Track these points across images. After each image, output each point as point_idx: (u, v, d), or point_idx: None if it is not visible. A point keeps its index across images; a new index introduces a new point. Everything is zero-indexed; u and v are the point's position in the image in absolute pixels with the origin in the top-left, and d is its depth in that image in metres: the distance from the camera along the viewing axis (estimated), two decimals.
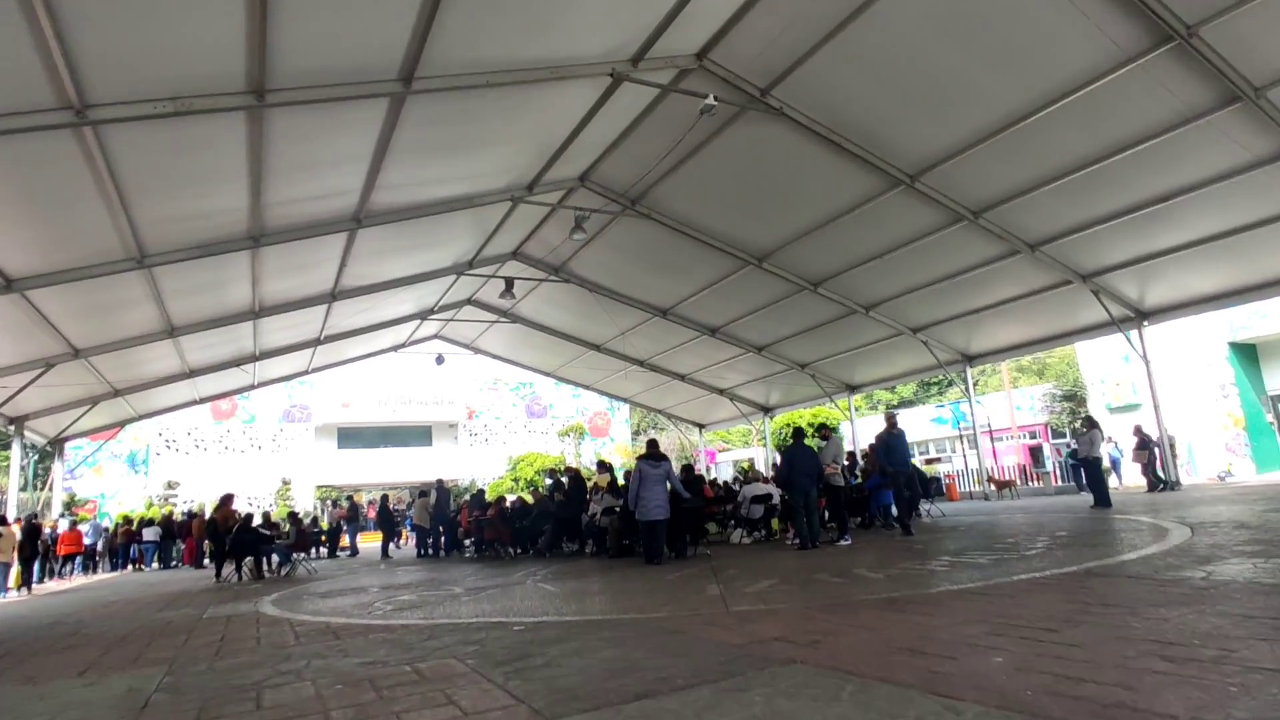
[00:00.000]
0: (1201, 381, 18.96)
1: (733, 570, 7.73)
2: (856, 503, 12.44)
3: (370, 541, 22.90)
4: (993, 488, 18.68)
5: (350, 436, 32.46)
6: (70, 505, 24.88)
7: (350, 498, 20.48)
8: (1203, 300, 13.06)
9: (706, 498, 12.10)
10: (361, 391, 31.58)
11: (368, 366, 27.04)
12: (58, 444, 18.50)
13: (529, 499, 16.85)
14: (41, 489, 22.82)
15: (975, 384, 17.40)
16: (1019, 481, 18.07)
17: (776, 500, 11.50)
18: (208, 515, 15.67)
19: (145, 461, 29.00)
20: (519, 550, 14.04)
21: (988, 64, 8.47)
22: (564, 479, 14.34)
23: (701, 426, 25.22)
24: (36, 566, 15.81)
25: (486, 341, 21.18)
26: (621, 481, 12.64)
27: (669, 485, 9.79)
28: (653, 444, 10.30)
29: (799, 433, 10.34)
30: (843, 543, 9.53)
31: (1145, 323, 13.55)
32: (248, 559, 13.04)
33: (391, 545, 18.39)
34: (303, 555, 14.29)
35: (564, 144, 10.55)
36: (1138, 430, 15.83)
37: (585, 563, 11.02)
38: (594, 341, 19.35)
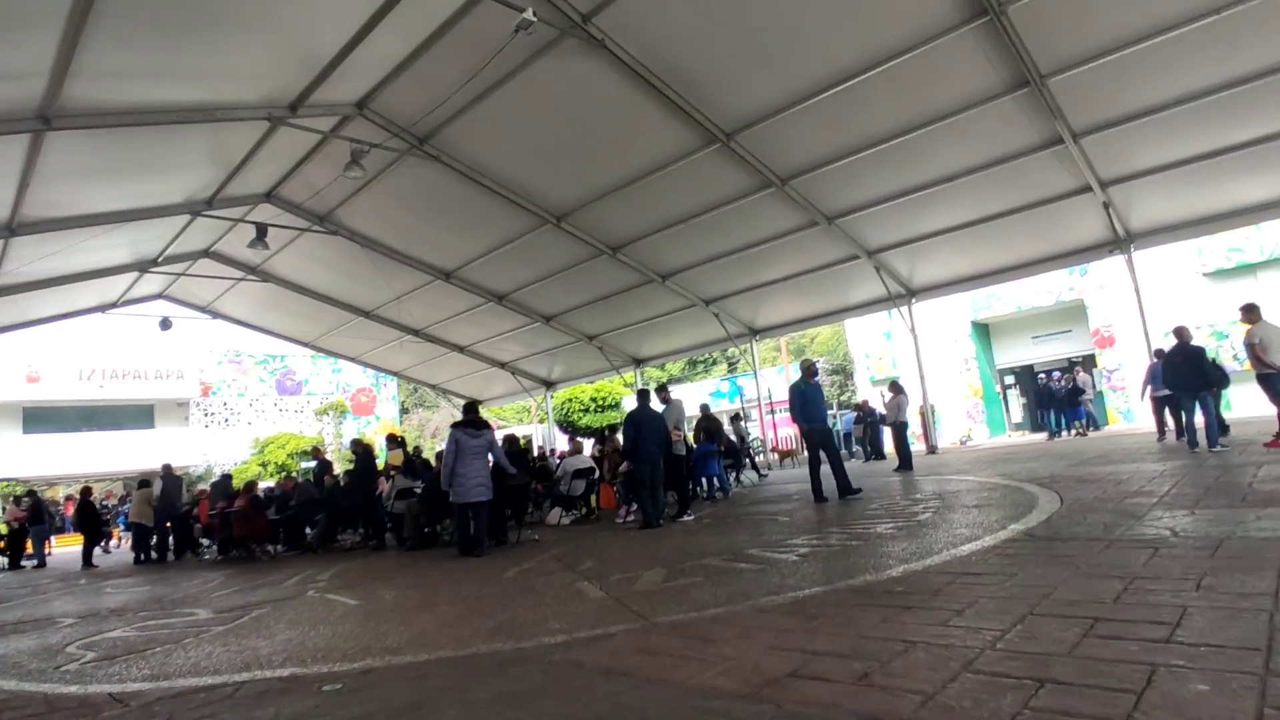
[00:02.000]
0: (948, 356, 21.10)
1: (587, 560, 6.42)
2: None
3: (69, 546, 18.65)
4: (775, 457, 19.31)
5: (41, 419, 26.38)
6: None
7: (32, 492, 16.27)
8: (960, 280, 14.18)
9: (533, 474, 10.76)
10: (57, 363, 25.71)
11: (65, 331, 22.08)
12: None
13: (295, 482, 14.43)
14: None
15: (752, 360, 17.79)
16: (799, 451, 18.96)
17: (599, 474, 10.57)
18: None
19: None
20: (281, 548, 11.84)
21: (824, 13, 8.21)
22: (327, 458, 12.30)
23: (479, 403, 23.63)
24: None
25: (228, 304, 17.98)
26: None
27: (490, 459, 8.39)
28: (472, 407, 8.79)
29: (644, 394, 9.29)
30: (686, 518, 8.67)
31: (914, 300, 14.46)
32: None
33: (99, 549, 14.92)
34: None
35: (338, 56, 8.74)
36: (862, 405, 17.33)
37: (377, 559, 9.27)
38: (363, 307, 17.16)
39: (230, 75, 8.66)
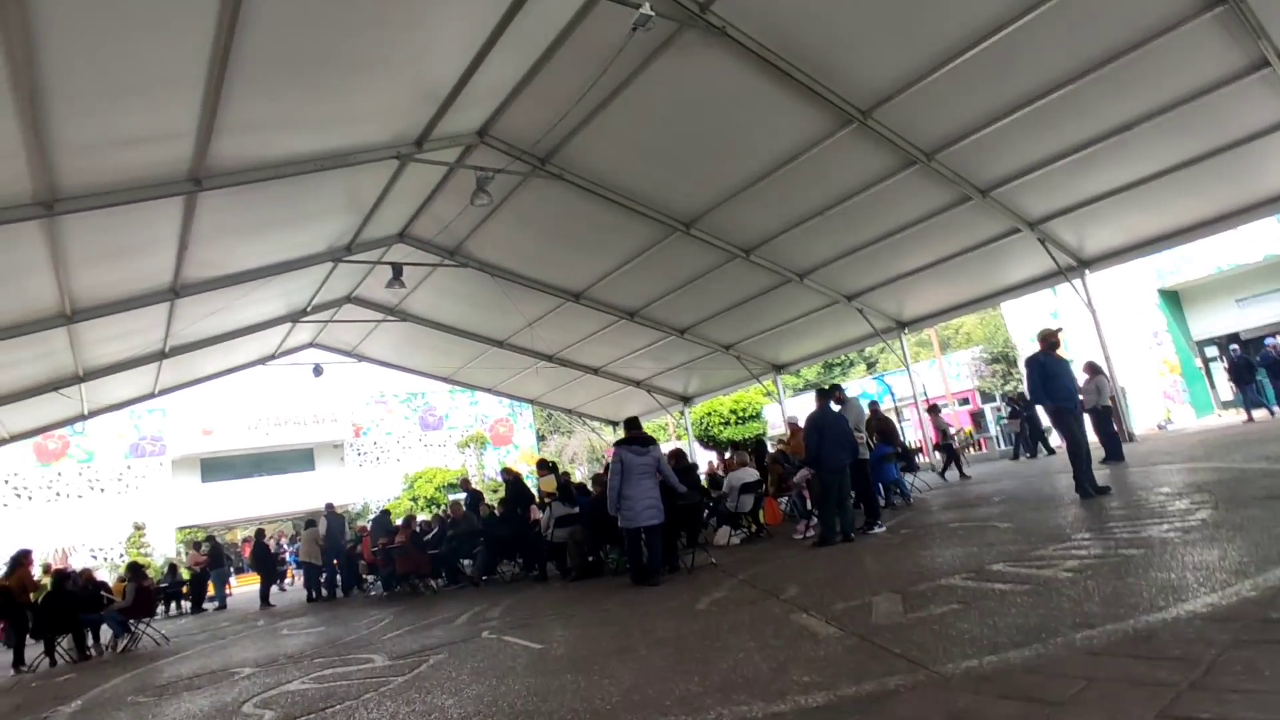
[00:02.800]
0: (1134, 330, 18.91)
1: (789, 585, 5.69)
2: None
3: (248, 585, 19.79)
4: (939, 456, 17.84)
5: (216, 468, 28.53)
6: None
7: (211, 538, 17.32)
8: (1142, 244, 12.50)
9: (704, 490, 10.10)
10: (226, 415, 27.76)
11: (231, 385, 23.69)
12: None
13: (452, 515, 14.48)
14: None
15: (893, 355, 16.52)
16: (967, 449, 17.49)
17: (764, 488, 9.89)
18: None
19: None
20: (443, 582, 11.74)
21: (726, 139, 8.68)
22: (476, 488, 12.15)
23: (615, 424, 23.46)
24: None
25: (371, 346, 18.62)
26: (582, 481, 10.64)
27: (659, 477, 7.76)
28: (634, 423, 8.22)
29: (824, 394, 8.50)
30: (877, 530, 7.90)
31: (1088, 270, 12.92)
32: (63, 636, 9.96)
33: (275, 589, 15.60)
34: (144, 621, 10.87)
35: (457, 85, 8.60)
36: (1008, 399, 15.57)
37: (543, 591, 8.88)
38: (496, 337, 17.26)
39: (358, 118, 8.71)
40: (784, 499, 11.00)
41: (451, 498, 23.83)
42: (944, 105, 9.19)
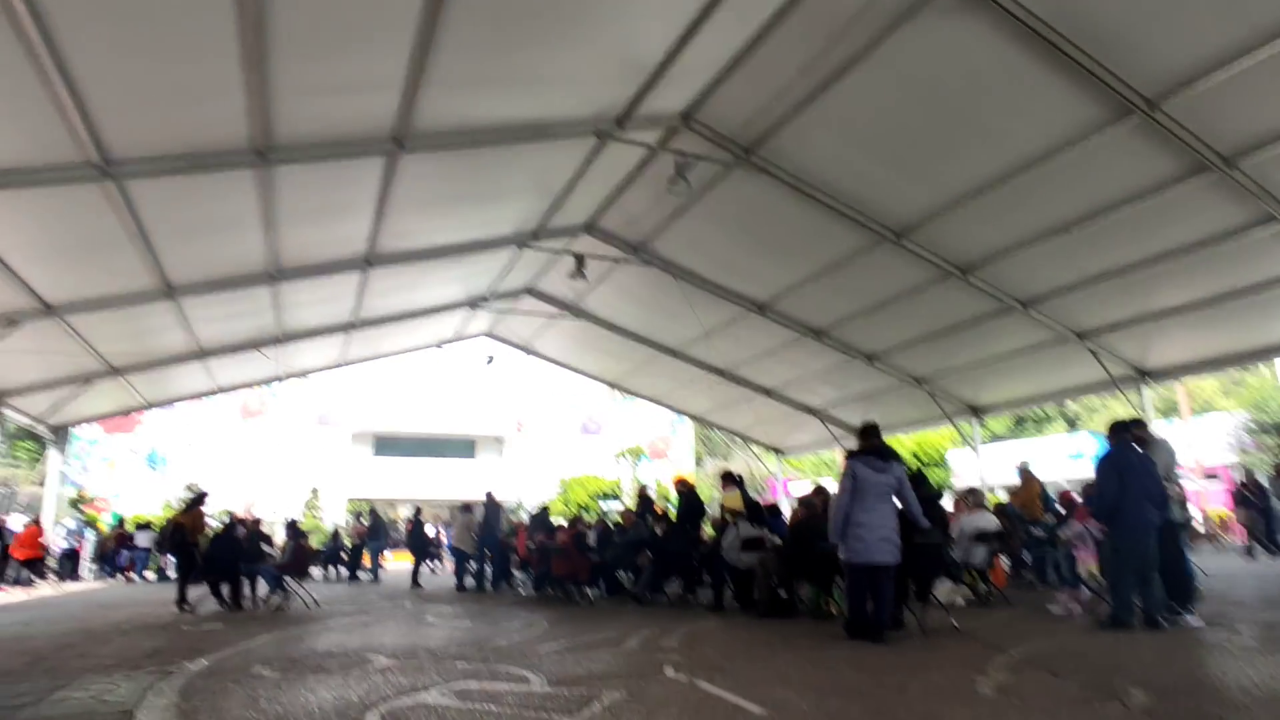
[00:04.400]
0: None
1: (1109, 674, 4.56)
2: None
3: (401, 563, 20.30)
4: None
5: (387, 445, 30.07)
6: (78, 502, 22.90)
7: (374, 510, 17.77)
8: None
9: (946, 528, 8.41)
10: (401, 396, 29.16)
11: (408, 369, 24.78)
12: (59, 431, 16.35)
13: (616, 520, 13.87)
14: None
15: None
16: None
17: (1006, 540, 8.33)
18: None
19: (165, 460, 26.97)
20: (600, 592, 11.01)
21: (963, 127, 8.12)
22: (664, 499, 11.34)
23: (779, 452, 22.13)
24: None
25: (544, 342, 18.55)
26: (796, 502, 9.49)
27: (897, 504, 6.36)
28: (874, 430, 6.78)
29: (1123, 427, 6.99)
30: (1189, 619, 6.19)
31: None
32: (225, 584, 10.10)
33: (426, 570, 15.66)
34: (298, 581, 10.77)
35: (665, 59, 7.91)
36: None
37: (725, 625, 7.75)
38: (669, 344, 16.56)
39: (560, 83, 8.24)
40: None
41: (603, 505, 23.46)
42: (1258, 92, 7.35)
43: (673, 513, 11.57)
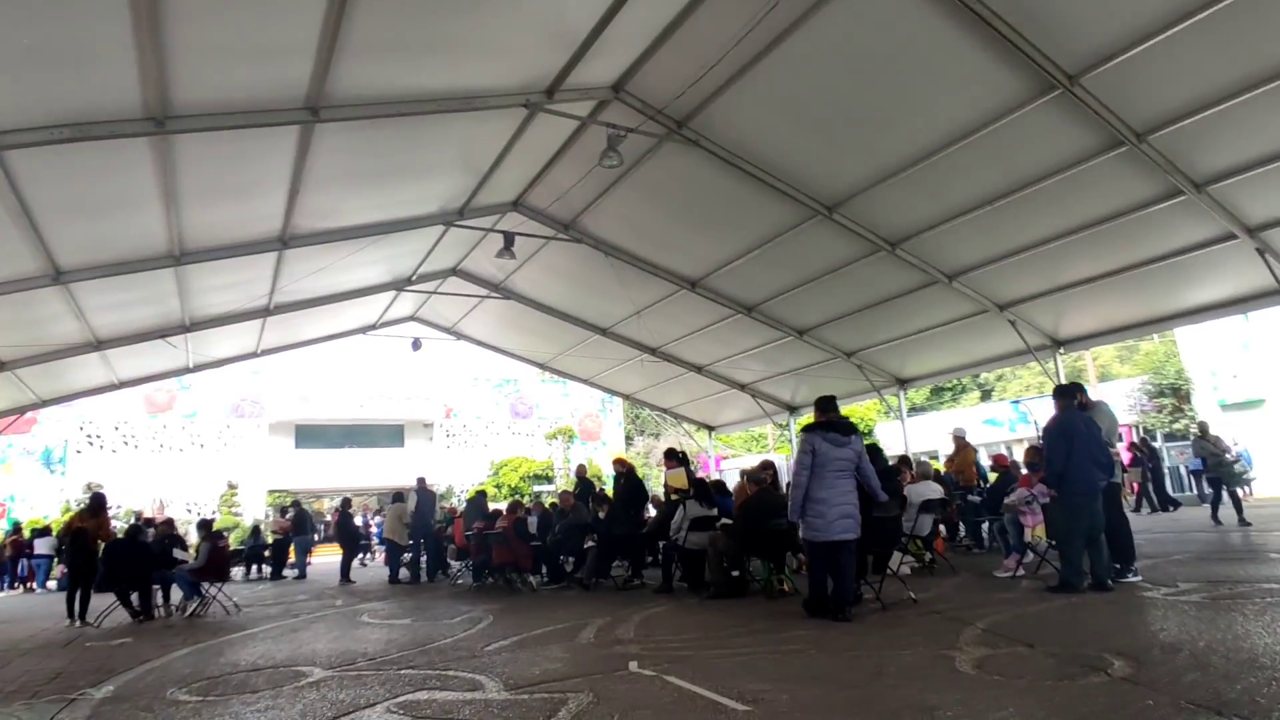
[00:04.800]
0: None
1: (1086, 645, 4.52)
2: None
3: (328, 556, 19.55)
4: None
5: (310, 435, 28.92)
6: None
7: (297, 503, 17.02)
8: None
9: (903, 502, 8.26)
10: (323, 384, 28.04)
11: (331, 355, 23.81)
12: None
13: (553, 503, 13.53)
14: None
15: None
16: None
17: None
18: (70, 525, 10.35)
19: (63, 459, 25.23)
20: (544, 579, 10.65)
21: (896, 101, 8.28)
22: (598, 479, 11.10)
23: (711, 428, 22.27)
24: None
25: (471, 325, 18.07)
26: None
27: (858, 478, 6.21)
28: (829, 402, 6.60)
29: (1067, 391, 7.04)
30: (1132, 578, 6.42)
31: None
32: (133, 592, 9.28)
33: (356, 562, 15.09)
34: (217, 585, 9.97)
35: (596, 27, 7.65)
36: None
37: (678, 609, 7.52)
38: (600, 324, 16.36)
39: (487, 53, 7.88)
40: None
41: (536, 489, 23.17)
42: (1172, 71, 7.62)
43: (611, 494, 11.46)
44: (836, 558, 5.97)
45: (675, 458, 10.09)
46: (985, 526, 11.62)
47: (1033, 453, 8.64)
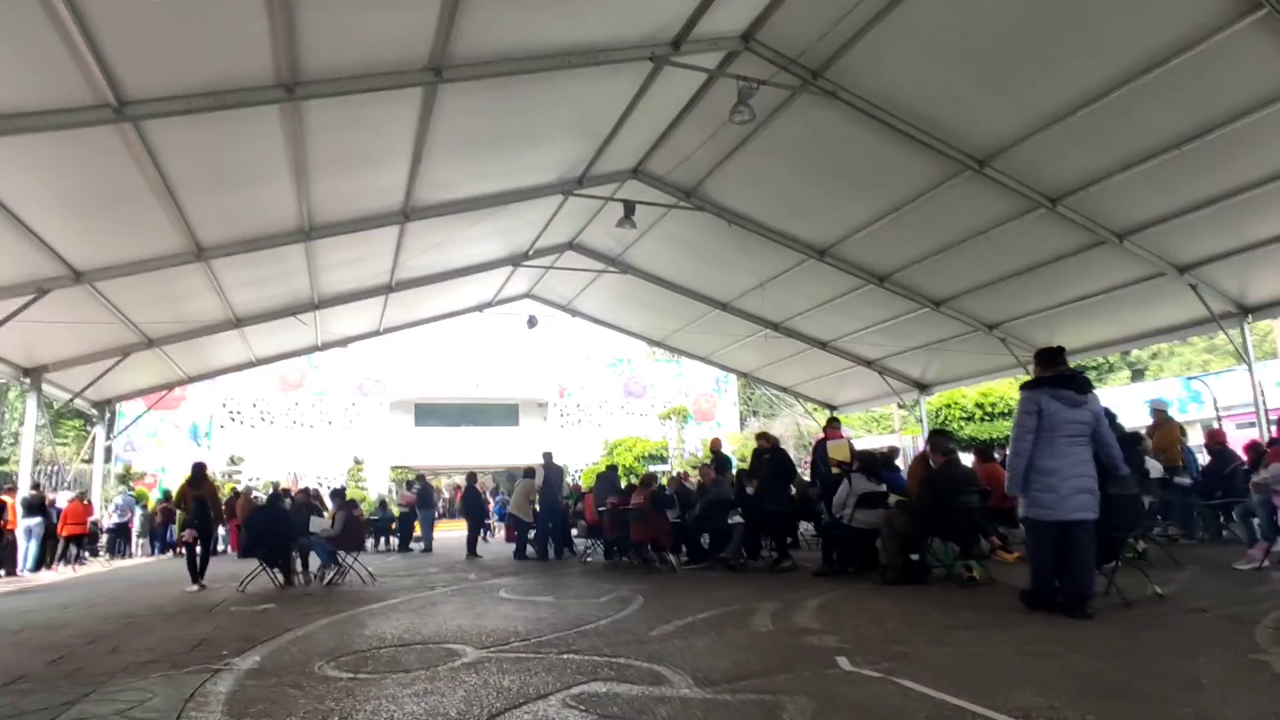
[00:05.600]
0: None
1: None
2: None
3: (447, 531, 19.95)
4: None
5: (429, 413, 29.75)
6: (125, 478, 22.91)
7: (421, 478, 17.26)
8: None
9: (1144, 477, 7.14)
10: (441, 363, 28.75)
11: (447, 335, 24.28)
12: (102, 406, 16.13)
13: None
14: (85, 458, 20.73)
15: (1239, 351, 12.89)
16: None
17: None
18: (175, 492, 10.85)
19: (209, 434, 26.94)
20: (686, 559, 9.99)
21: (1066, 33, 7.16)
22: (724, 456, 10.36)
23: (832, 408, 21.24)
24: (32, 551, 13.26)
25: (586, 301, 17.84)
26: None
27: (1094, 446, 5.17)
28: (1057, 354, 5.49)
29: None
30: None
31: None
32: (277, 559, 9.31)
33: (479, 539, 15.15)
34: (353, 554, 9.94)
35: None
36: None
37: (847, 592, 6.74)
38: (720, 298, 15.75)
39: (610, 3, 7.42)
40: None
41: (651, 469, 22.87)
42: None
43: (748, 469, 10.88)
44: (1070, 541, 5.00)
45: (836, 426, 9.35)
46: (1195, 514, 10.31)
47: None
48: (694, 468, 22.73)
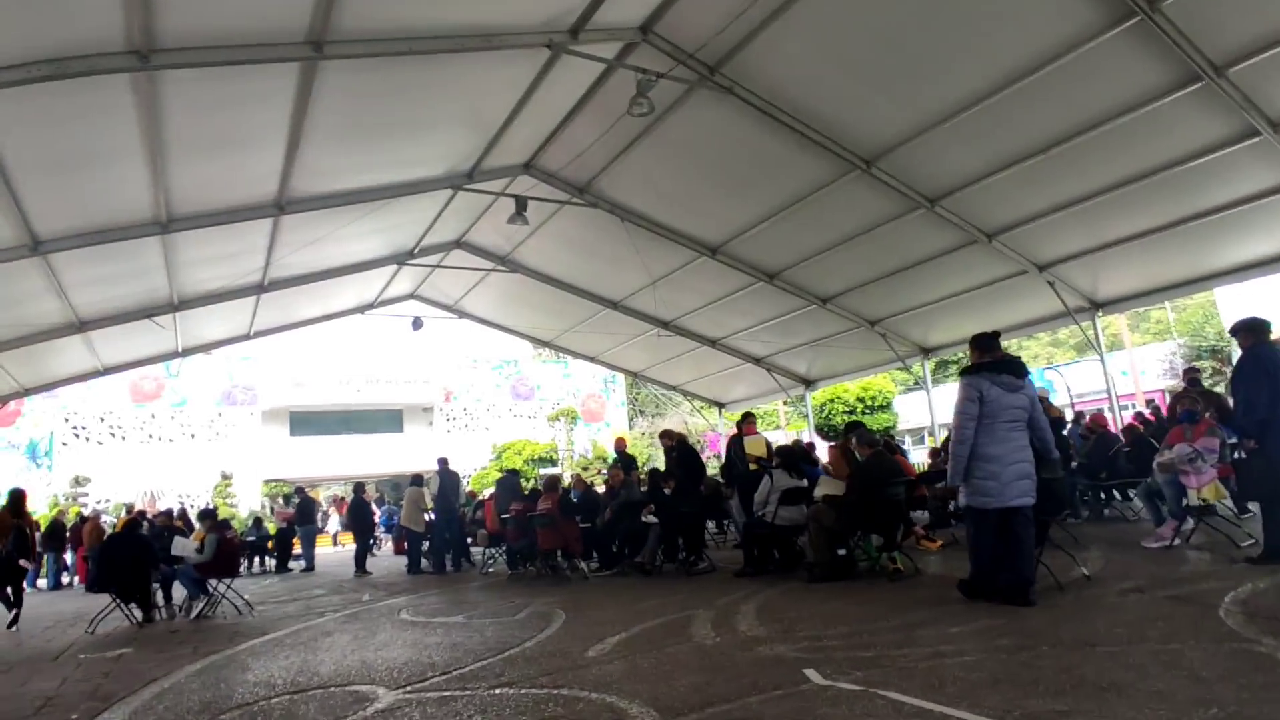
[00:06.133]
0: None
1: None
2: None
3: (326, 547, 18.80)
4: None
5: (305, 422, 27.99)
6: None
7: (300, 490, 16.12)
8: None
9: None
10: (318, 369, 27.14)
11: (325, 339, 22.97)
12: None
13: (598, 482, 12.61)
14: None
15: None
16: None
17: None
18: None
19: (49, 453, 24.26)
20: (597, 565, 9.61)
21: (952, 38, 7.57)
22: (629, 456, 10.11)
23: (721, 405, 21.59)
24: None
25: (474, 302, 17.26)
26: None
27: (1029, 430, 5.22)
28: (992, 340, 5.51)
29: (1254, 326, 5.73)
30: None
31: None
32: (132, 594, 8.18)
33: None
34: (225, 582, 8.82)
35: None
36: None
37: (778, 592, 6.46)
38: (611, 297, 15.62)
39: None
40: None
41: (541, 471, 22.47)
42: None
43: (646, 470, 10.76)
44: (1011, 527, 5.02)
45: (751, 421, 9.25)
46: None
47: (1189, 400, 7.62)
48: (584, 469, 22.53)
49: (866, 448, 6.49)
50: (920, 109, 8.90)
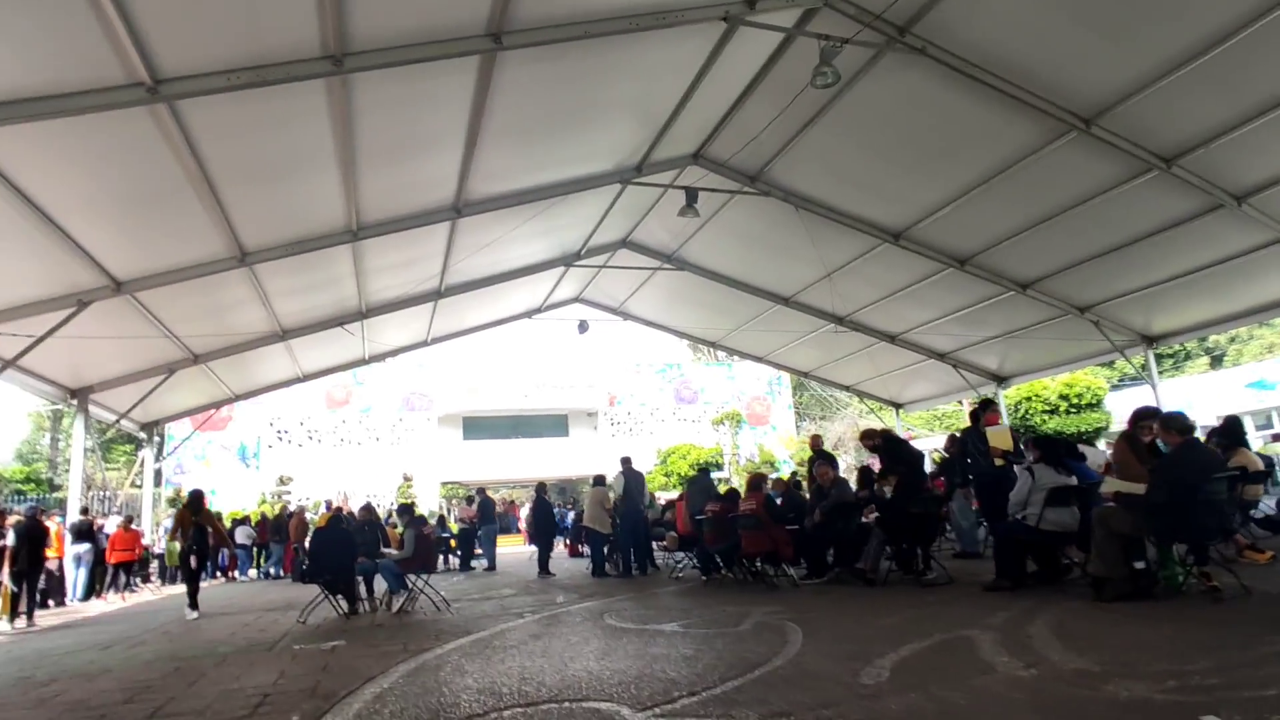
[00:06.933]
0: None
1: None
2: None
3: (505, 547, 19.25)
4: None
5: (477, 427, 29.19)
6: (176, 502, 22.72)
7: (482, 491, 16.50)
8: None
9: None
10: (488, 375, 28.25)
11: (495, 346, 23.81)
12: (150, 428, 15.81)
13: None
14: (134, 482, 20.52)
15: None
16: None
17: None
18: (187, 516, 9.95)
19: (257, 454, 26.70)
20: (806, 572, 8.67)
21: None
22: (827, 453, 9.14)
23: (898, 406, 20.18)
24: (81, 579, 12.87)
25: (639, 303, 17.10)
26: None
27: None
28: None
29: None
30: None
31: None
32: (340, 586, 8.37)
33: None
34: (424, 578, 8.84)
35: None
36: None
37: (1066, 611, 5.37)
38: (782, 292, 14.88)
39: None
40: None
41: (713, 475, 21.96)
42: None
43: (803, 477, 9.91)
44: None
45: (990, 407, 8.06)
46: None
47: None
48: (750, 474, 21.80)
49: (1176, 435, 5.21)
50: (1151, 52, 7.56)
